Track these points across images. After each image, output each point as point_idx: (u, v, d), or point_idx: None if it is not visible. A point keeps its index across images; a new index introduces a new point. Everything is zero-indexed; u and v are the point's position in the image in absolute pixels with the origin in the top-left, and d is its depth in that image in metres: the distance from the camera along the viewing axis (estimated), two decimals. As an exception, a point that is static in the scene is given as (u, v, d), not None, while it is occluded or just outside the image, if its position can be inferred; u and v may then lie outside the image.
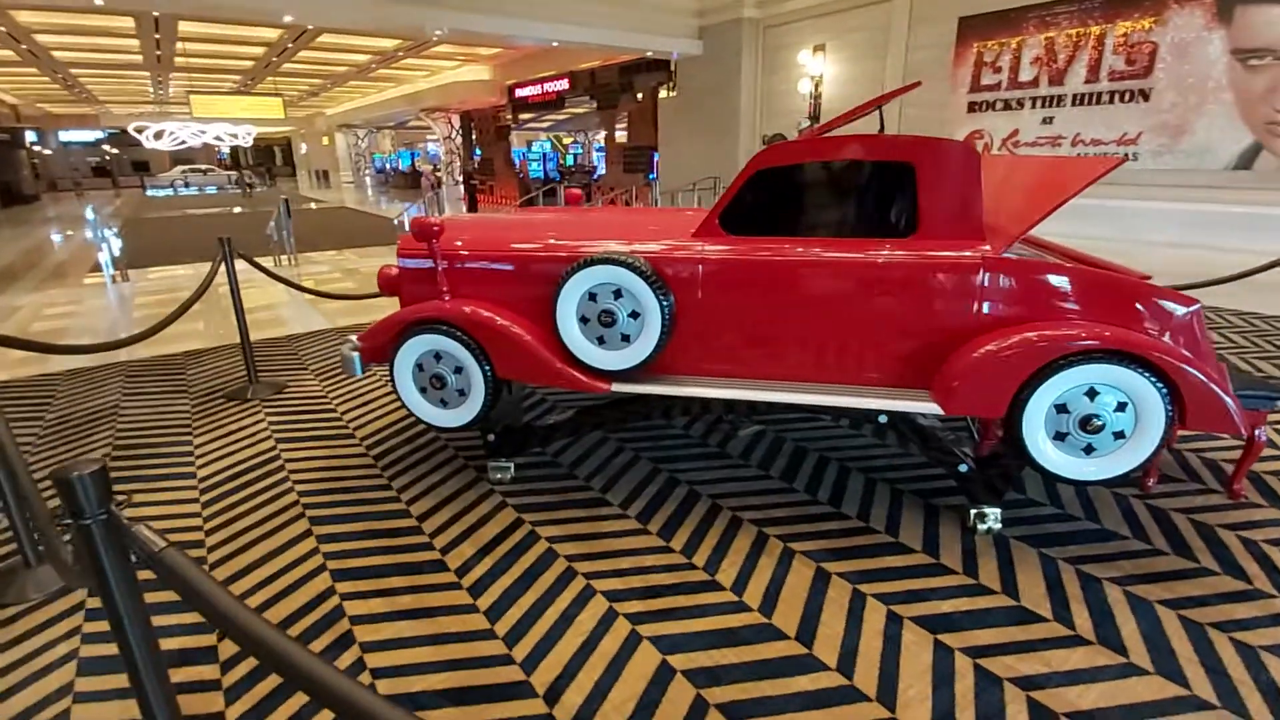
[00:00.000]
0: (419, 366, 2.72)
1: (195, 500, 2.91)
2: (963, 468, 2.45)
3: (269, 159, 47.66)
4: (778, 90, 13.88)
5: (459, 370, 2.68)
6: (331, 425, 3.71)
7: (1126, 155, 9.05)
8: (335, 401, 4.07)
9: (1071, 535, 2.51)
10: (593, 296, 2.47)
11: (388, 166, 38.48)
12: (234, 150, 41.73)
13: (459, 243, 2.77)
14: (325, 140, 38.71)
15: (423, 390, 2.75)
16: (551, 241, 2.69)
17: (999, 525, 2.49)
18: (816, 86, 13.07)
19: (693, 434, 3.46)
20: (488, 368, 2.62)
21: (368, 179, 37.55)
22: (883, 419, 2.43)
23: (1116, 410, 2.11)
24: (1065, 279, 2.18)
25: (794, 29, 13.24)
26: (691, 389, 2.48)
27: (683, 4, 14.24)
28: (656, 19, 13.87)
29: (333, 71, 21.84)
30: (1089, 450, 2.17)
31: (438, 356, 2.68)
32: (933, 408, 2.26)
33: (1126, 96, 9.03)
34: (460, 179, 28.59)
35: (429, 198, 17.92)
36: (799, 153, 2.36)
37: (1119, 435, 2.13)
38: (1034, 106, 10.00)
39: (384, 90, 26.96)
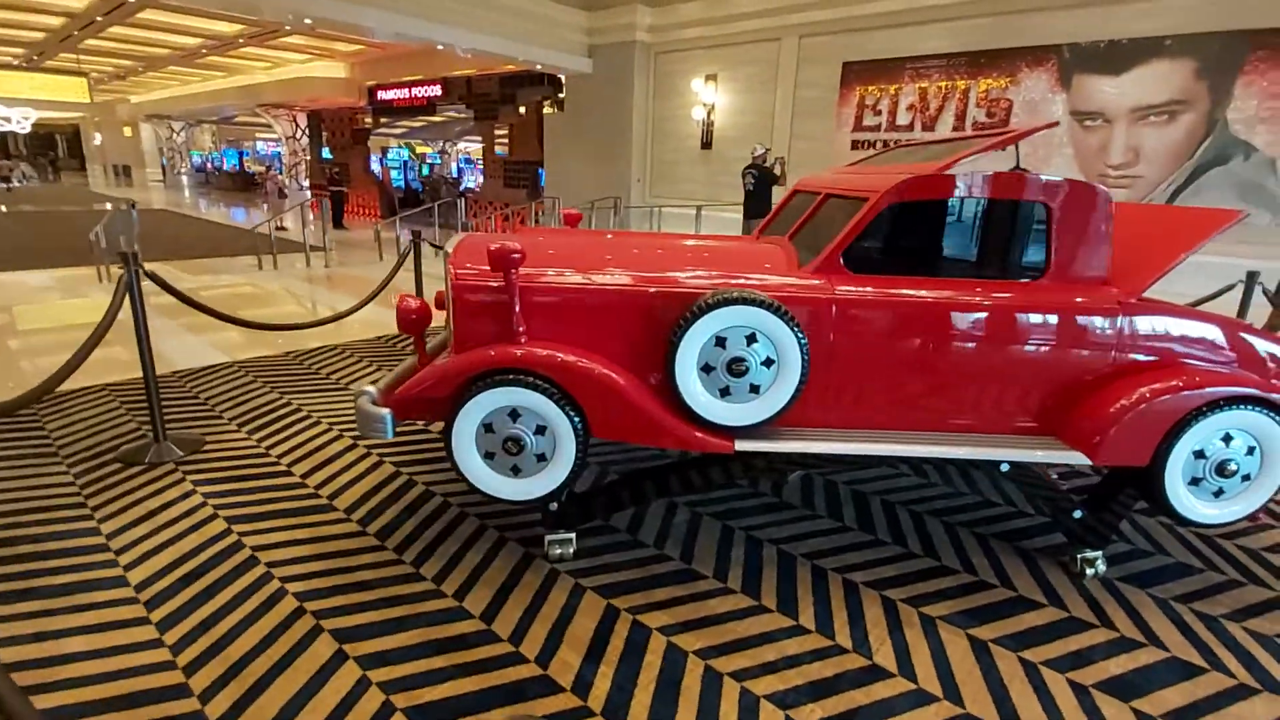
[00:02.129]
0: (486, 427, 2.16)
1: (145, 621, 2.09)
2: (1077, 513, 2.40)
3: (49, 149, 39.91)
4: (670, 115, 14.08)
5: (541, 430, 2.17)
6: (294, 493, 2.92)
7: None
8: (283, 460, 3.25)
9: (1159, 571, 2.56)
10: (719, 341, 2.11)
11: (209, 165, 33.91)
12: (1, 137, 34.42)
13: (546, 275, 2.26)
14: (127, 131, 33.24)
15: (488, 456, 2.20)
16: (659, 275, 2.28)
17: (1105, 568, 2.48)
18: (709, 114, 13.44)
19: (740, 482, 3.17)
20: (580, 426, 2.14)
21: (184, 178, 32.79)
22: (1005, 468, 2.32)
23: (1246, 454, 2.17)
24: (1198, 324, 2.22)
25: (686, 56, 13.54)
26: (824, 444, 2.20)
27: (573, 20, 14.01)
28: (546, 32, 13.49)
29: (150, 54, 18.77)
30: (1218, 494, 2.21)
31: (514, 414, 2.15)
32: (1077, 457, 2.19)
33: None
34: (305, 184, 25.89)
35: (271, 204, 15.95)
36: (931, 188, 2.20)
37: (1245, 478, 2.19)
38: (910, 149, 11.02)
39: (211, 80, 23.72)
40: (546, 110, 16.40)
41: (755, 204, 8.74)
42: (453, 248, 2.59)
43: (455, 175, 33.17)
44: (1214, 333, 2.24)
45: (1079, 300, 2.21)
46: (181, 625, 2.08)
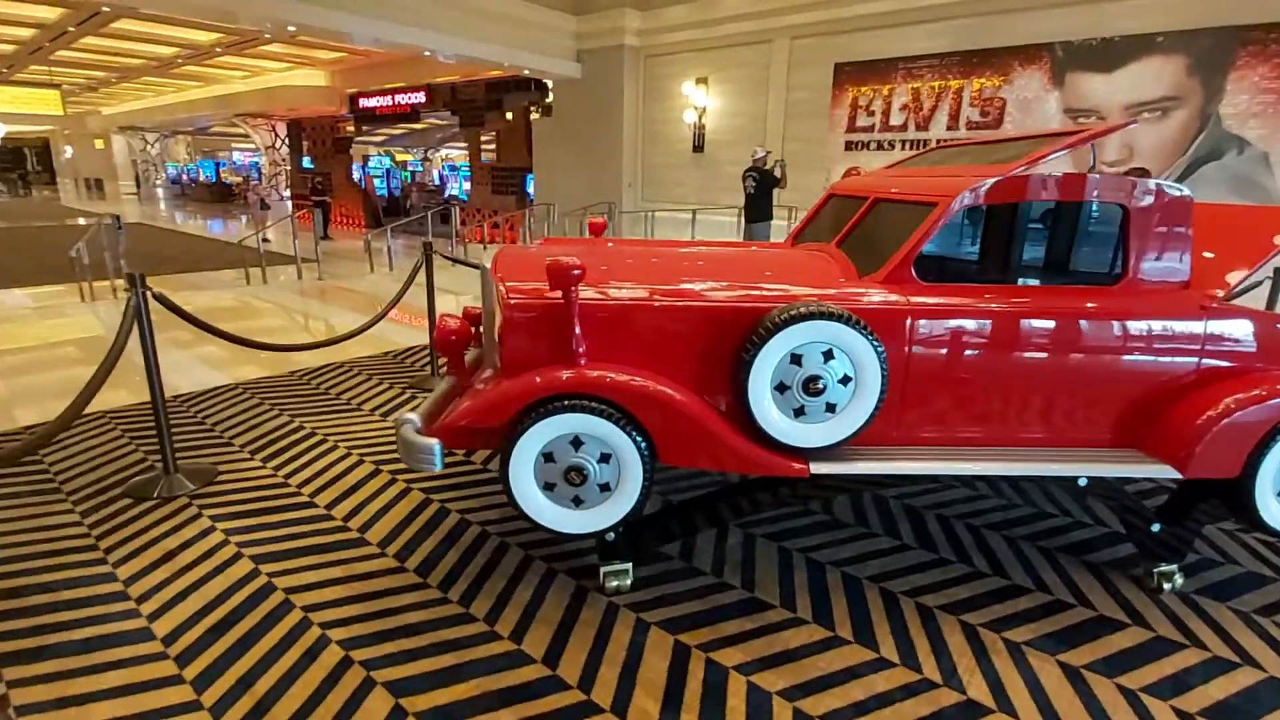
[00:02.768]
0: (545, 456, 2.01)
1: (178, 680, 1.91)
2: (1155, 527, 2.31)
3: (18, 163, 38.86)
4: (661, 119, 13.99)
5: (605, 458, 2.02)
6: (321, 527, 2.75)
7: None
8: (304, 489, 3.06)
9: (1233, 582, 2.48)
10: (795, 359, 1.99)
11: (184, 177, 33.23)
12: (-33, 150, 33.49)
13: (605, 291, 2.12)
14: (99, 143, 32.47)
15: (548, 487, 2.05)
16: (725, 289, 2.15)
17: (1182, 582, 2.39)
18: (700, 118, 13.37)
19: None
20: (647, 453, 2.00)
21: (159, 191, 32.11)
22: (1083, 482, 2.22)
23: (1331, 463, 2.09)
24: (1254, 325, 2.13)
25: (676, 60, 13.46)
26: (902, 465, 2.08)
27: (561, 25, 13.88)
28: (534, 37, 13.34)
29: (123, 64, 18.32)
30: (1305, 504, 2.13)
31: (577, 442, 2.00)
32: (1165, 471, 2.09)
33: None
34: (286, 194, 25.45)
35: (253, 216, 15.62)
36: (1008, 191, 2.10)
37: (1331, 487, 2.11)
38: (903, 148, 11.01)
39: (186, 90, 23.23)
40: (534, 116, 16.24)
41: (756, 207, 8.65)
42: (493, 263, 2.44)
43: (438, 183, 32.87)
44: None
45: (1162, 306, 2.12)
46: (219, 684, 1.91)
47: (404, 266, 10.44)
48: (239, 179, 32.39)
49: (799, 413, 2.04)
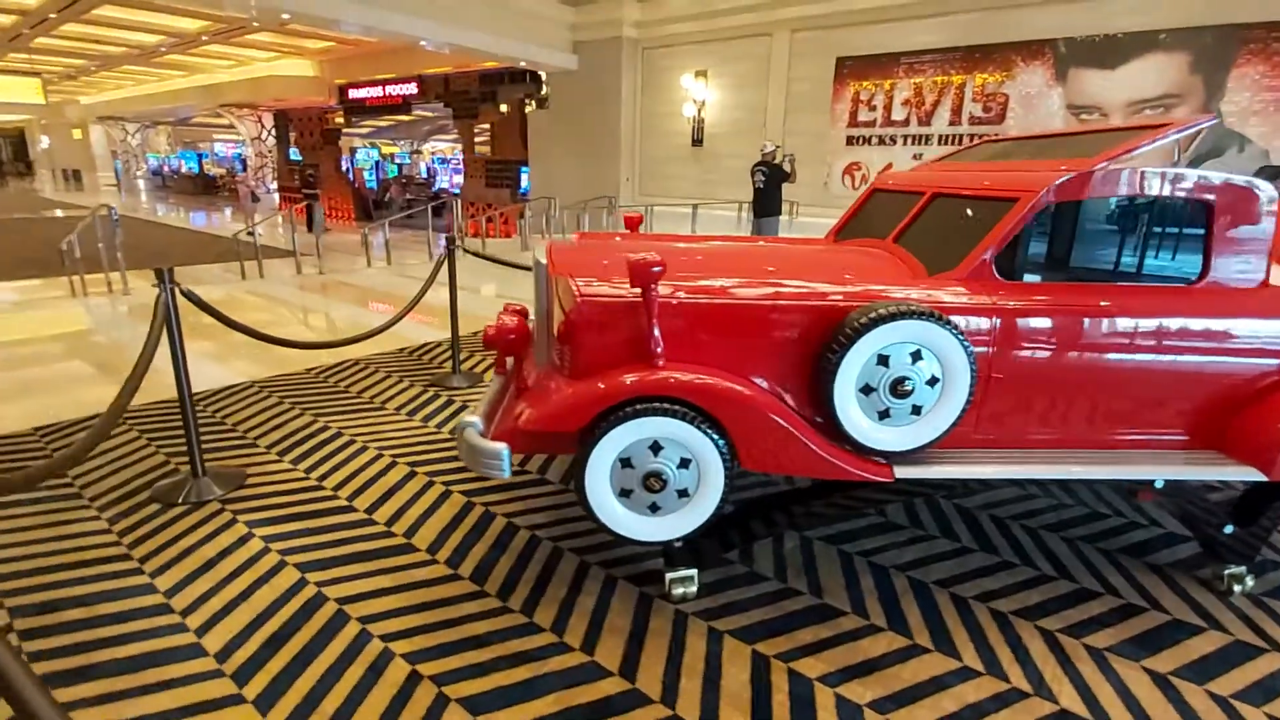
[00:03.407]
0: (623, 462, 1.93)
1: (238, 699, 1.81)
2: (1228, 528, 2.28)
3: (-9, 153, 37.81)
4: (659, 112, 13.87)
5: (684, 464, 1.95)
6: (364, 532, 2.65)
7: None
8: (340, 492, 2.96)
9: (1298, 583, 2.46)
10: (882, 360, 1.92)
11: (165, 168, 32.51)
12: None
13: (682, 289, 2.03)
14: (76, 133, 31.66)
15: (624, 494, 1.97)
16: (805, 287, 2.07)
17: (1253, 583, 2.37)
18: (700, 111, 13.28)
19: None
20: (729, 459, 1.93)
21: (140, 182, 31.40)
22: (1159, 484, 2.19)
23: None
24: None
25: (675, 53, 13.34)
26: (987, 468, 2.03)
27: (558, 16, 13.70)
28: (529, 28, 13.14)
29: (105, 52, 17.83)
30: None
31: (656, 447, 1.92)
32: (1249, 473, 2.06)
33: (984, 139, 10.27)
34: (273, 186, 25.00)
35: (245, 209, 15.31)
36: (1093, 186, 2.04)
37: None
38: (905, 143, 11.01)
39: (169, 80, 22.68)
40: (529, 109, 16.03)
41: (765, 202, 8.59)
42: (549, 259, 2.35)
43: (425, 176, 32.51)
44: None
45: (1245, 304, 2.09)
46: (284, 703, 1.81)
47: (402, 261, 10.26)
48: (222, 171, 31.76)
49: (883, 415, 1.98)
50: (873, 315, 1.86)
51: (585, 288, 2.00)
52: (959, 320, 2.00)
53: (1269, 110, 8.17)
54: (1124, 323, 2.07)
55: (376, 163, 27.67)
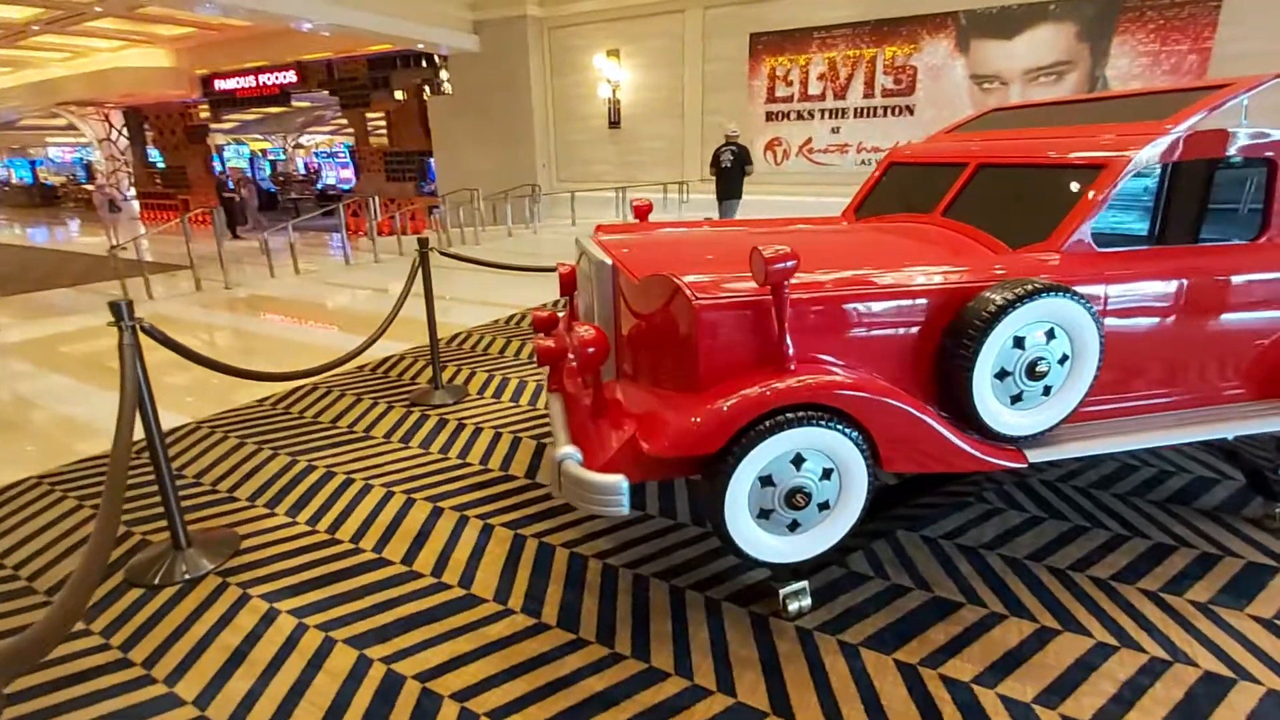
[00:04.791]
0: (763, 480, 1.73)
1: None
2: (1282, 470, 2.40)
3: None
4: (572, 94, 13.45)
5: (826, 474, 1.77)
6: (411, 588, 2.29)
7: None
8: (361, 543, 2.56)
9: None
10: (1017, 342, 1.82)
11: (-13, 179, 28.25)
12: None
13: (807, 283, 1.83)
14: None
15: (763, 515, 1.77)
16: (916, 272, 1.94)
17: (1309, 524, 2.51)
18: (615, 92, 12.98)
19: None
20: (871, 464, 1.78)
21: (-43, 197, 27.11)
22: (1232, 437, 2.26)
23: None
24: None
25: (583, 31, 12.93)
26: (1110, 442, 2.00)
27: (454, -6, 12.91)
28: (423, 7, 12.30)
29: (-100, 42, 15.04)
30: None
31: (798, 460, 1.73)
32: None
33: (896, 110, 10.69)
34: (130, 193, 22.24)
35: (105, 221, 13.55)
36: (1183, 147, 2.03)
37: None
38: (823, 118, 11.27)
39: (-14, 74, 19.53)
40: (427, 94, 15.08)
41: (732, 183, 8.57)
42: (611, 256, 2.09)
43: (304, 172, 30.15)
44: None
45: (1309, 257, 2.17)
46: (408, 820, 1.49)
47: (310, 269, 9.36)
48: (63, 179, 27.94)
49: (1015, 399, 1.89)
50: (1011, 295, 1.76)
51: (700, 290, 1.76)
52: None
53: (1145, 74, 8.97)
54: (1210, 283, 2.09)
55: (251, 159, 25.32)
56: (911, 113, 10.56)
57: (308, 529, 2.69)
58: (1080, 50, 9.28)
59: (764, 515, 1.78)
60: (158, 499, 2.84)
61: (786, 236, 2.63)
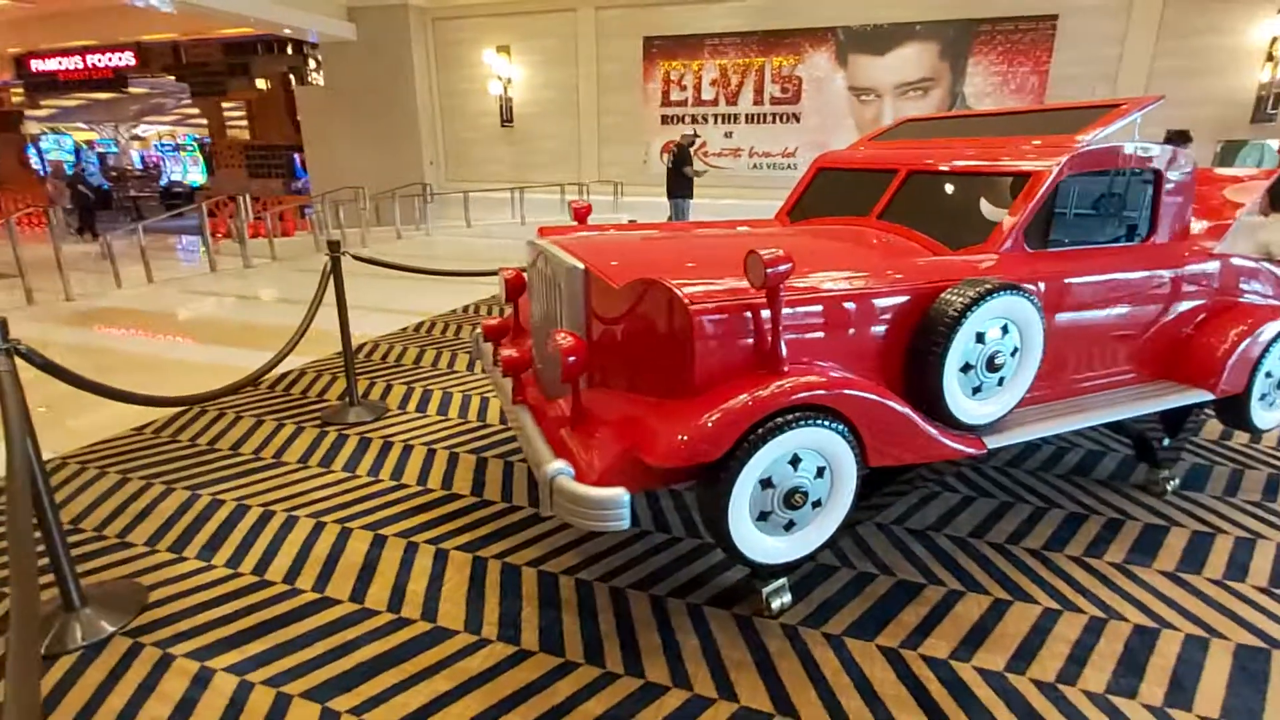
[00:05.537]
0: (763, 483, 1.72)
1: None
2: (1166, 441, 2.76)
3: None
4: (461, 90, 12.95)
5: (820, 473, 1.80)
6: (368, 628, 2.08)
7: (789, 165, 11.29)
8: (298, 582, 2.30)
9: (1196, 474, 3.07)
10: (978, 338, 1.95)
11: None
12: None
13: (796, 285, 1.85)
14: None
15: (762, 517, 1.76)
16: (897, 273, 2.02)
17: (1176, 483, 2.89)
18: (506, 89, 12.65)
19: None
20: (860, 460, 1.83)
21: None
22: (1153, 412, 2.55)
23: (1286, 369, 2.68)
24: (1253, 267, 2.64)
25: (470, 24, 12.50)
26: (1051, 424, 2.20)
27: (326, -23, 12.03)
28: (290, -12, 11.34)
29: None
30: (1272, 403, 2.70)
31: (795, 460, 1.74)
32: (1202, 395, 2.49)
33: (784, 118, 11.24)
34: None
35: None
36: (1099, 160, 2.28)
37: (1283, 387, 2.71)
38: (717, 122, 11.63)
39: None
40: (299, 84, 13.92)
41: (670, 183, 8.72)
42: (581, 260, 2.01)
43: (140, 166, 26.98)
44: (1266, 275, 2.71)
45: (1185, 253, 2.50)
46: None
47: (168, 277, 8.33)
48: None
49: (975, 391, 2.03)
50: (974, 293, 1.88)
51: (694, 295, 1.73)
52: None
53: (996, 92, 10.04)
54: (1121, 278, 2.36)
55: (77, 152, 22.23)
56: (798, 120, 11.16)
57: (229, 572, 2.37)
58: (942, 68, 10.23)
59: (762, 517, 1.79)
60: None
61: (740, 239, 2.66)
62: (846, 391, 1.73)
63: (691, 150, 8.76)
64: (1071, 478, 3.05)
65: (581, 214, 3.16)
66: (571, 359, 1.83)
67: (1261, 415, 2.71)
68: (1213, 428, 3.53)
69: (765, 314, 1.74)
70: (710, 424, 1.61)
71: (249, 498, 2.87)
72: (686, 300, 1.71)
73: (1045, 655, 1.98)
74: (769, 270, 1.61)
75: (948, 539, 2.57)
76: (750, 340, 1.76)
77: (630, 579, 2.32)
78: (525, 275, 2.86)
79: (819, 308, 1.88)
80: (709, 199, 11.09)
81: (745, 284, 1.84)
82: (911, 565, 2.40)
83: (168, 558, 2.45)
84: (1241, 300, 2.67)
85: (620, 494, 1.63)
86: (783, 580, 2.13)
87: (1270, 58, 8.66)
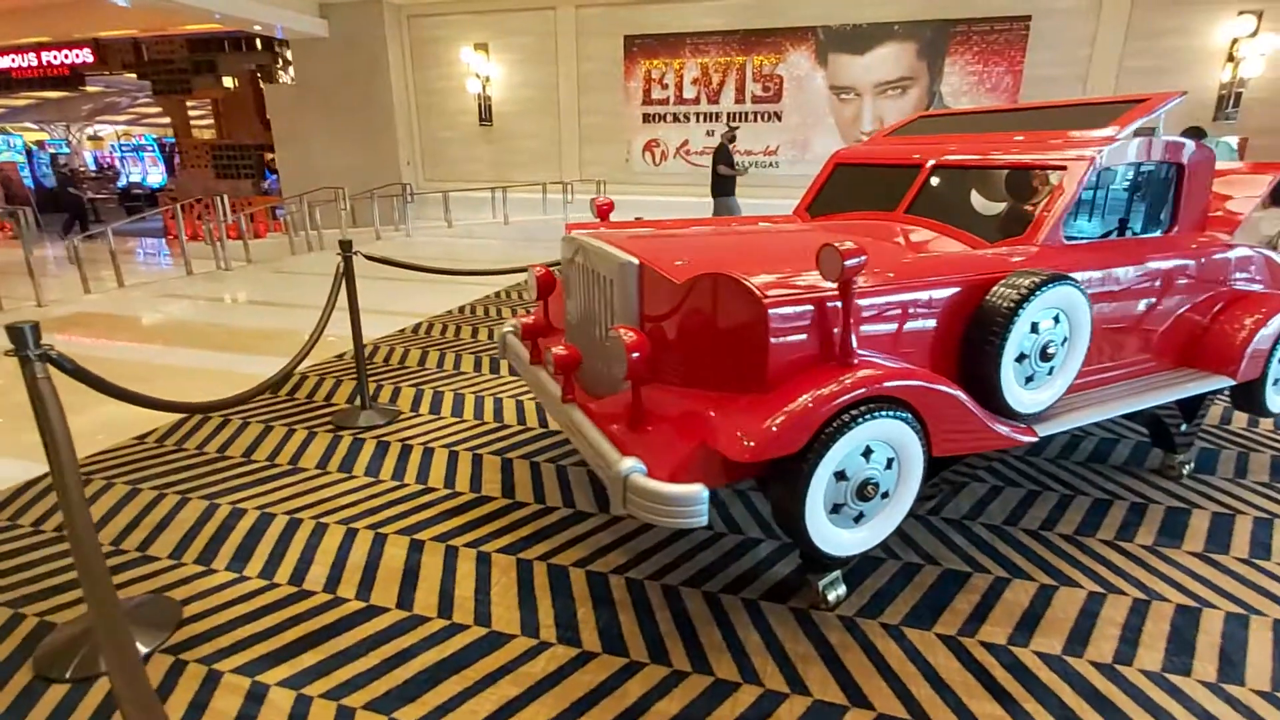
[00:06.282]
0: (837, 475, 1.72)
1: None
2: (1183, 426, 2.85)
3: None
4: (438, 88, 12.75)
5: (889, 465, 1.80)
6: (421, 636, 2.03)
7: (771, 163, 11.36)
8: (340, 590, 2.23)
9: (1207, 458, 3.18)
10: (1033, 328, 1.98)
11: None
12: None
13: (866, 280, 1.85)
14: None
15: (835, 509, 1.76)
16: (941, 266, 2.04)
17: (1191, 467, 2.98)
18: (485, 87, 12.50)
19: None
20: (926, 450, 1.84)
21: None
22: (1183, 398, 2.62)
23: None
24: (1259, 256, 2.74)
25: (447, 22, 12.31)
26: (1097, 411, 2.24)
27: (297, -28, 11.73)
28: (259, -18, 11.01)
29: None
30: (1283, 387, 2.82)
31: (867, 452, 1.74)
32: (1223, 381, 2.57)
33: (766, 116, 11.32)
34: None
35: None
36: (1133, 152, 2.33)
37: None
38: (699, 121, 11.65)
39: None
40: (268, 83, 13.52)
41: (712, 183, 8.25)
42: (634, 254, 1.99)
43: (94, 167, 26.01)
44: (1275, 265, 2.81)
45: (1205, 244, 2.58)
46: None
47: (140, 282, 8.03)
48: None
49: (1028, 380, 2.06)
50: (1030, 284, 1.91)
51: (767, 287, 1.72)
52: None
53: (972, 91, 10.26)
54: (1151, 268, 2.43)
55: (29, 153, 21.30)
56: (780, 119, 11.25)
57: (264, 583, 2.29)
58: (920, 68, 10.41)
59: (835, 510, 1.79)
60: (45, 570, 2.30)
61: (783, 235, 2.66)
62: (918, 383, 1.74)
63: (730, 146, 8.15)
64: (1090, 465, 3.12)
65: (604, 210, 3.13)
66: (635, 354, 1.81)
67: (1275, 400, 2.82)
68: (1213, 414, 3.66)
69: (836, 306, 1.74)
70: (792, 416, 1.60)
71: (271, 505, 2.78)
72: (760, 293, 1.71)
73: (1098, 637, 2.02)
74: (846, 263, 1.61)
75: (984, 527, 2.61)
76: (820, 333, 1.76)
77: (681, 576, 2.31)
78: (555, 273, 2.82)
79: (884, 299, 1.89)
80: (694, 198, 11.12)
81: (807, 278, 1.84)
82: (954, 554, 2.43)
83: (196, 570, 2.36)
84: (1253, 290, 2.77)
85: (699, 490, 1.62)
86: (837, 573, 2.13)
87: (1230, 58, 9.03)
